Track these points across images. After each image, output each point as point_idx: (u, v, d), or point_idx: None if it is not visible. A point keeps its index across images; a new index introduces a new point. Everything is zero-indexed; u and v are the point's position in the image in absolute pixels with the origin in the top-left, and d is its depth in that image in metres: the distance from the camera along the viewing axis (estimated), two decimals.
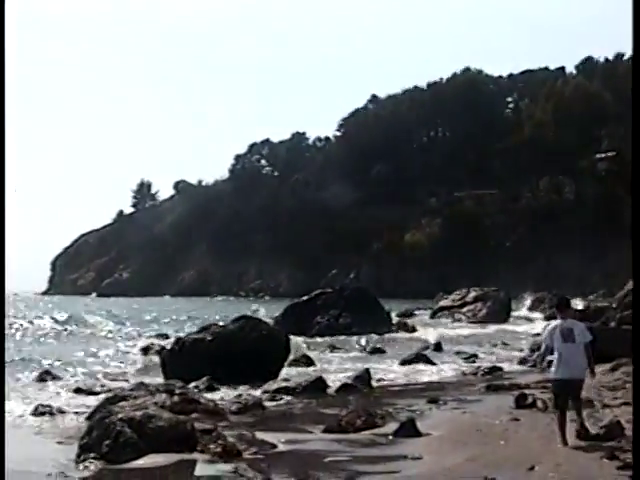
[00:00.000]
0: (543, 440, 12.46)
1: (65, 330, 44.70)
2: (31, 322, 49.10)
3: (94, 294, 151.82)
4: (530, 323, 48.04)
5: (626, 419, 12.82)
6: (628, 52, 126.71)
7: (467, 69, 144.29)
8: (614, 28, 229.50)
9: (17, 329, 44.33)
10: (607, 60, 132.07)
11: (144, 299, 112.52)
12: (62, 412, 16.87)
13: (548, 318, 46.31)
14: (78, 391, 19.73)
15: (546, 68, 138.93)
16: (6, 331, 40.65)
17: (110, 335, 41.63)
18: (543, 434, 12.94)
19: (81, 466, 11.85)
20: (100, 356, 30.08)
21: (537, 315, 53.57)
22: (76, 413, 16.72)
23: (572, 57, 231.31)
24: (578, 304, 51.44)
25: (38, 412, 16.59)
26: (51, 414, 16.59)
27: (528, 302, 62.07)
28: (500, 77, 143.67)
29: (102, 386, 20.62)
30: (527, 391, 17.06)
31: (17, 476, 11.19)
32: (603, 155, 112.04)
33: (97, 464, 11.88)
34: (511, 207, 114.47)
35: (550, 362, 12.41)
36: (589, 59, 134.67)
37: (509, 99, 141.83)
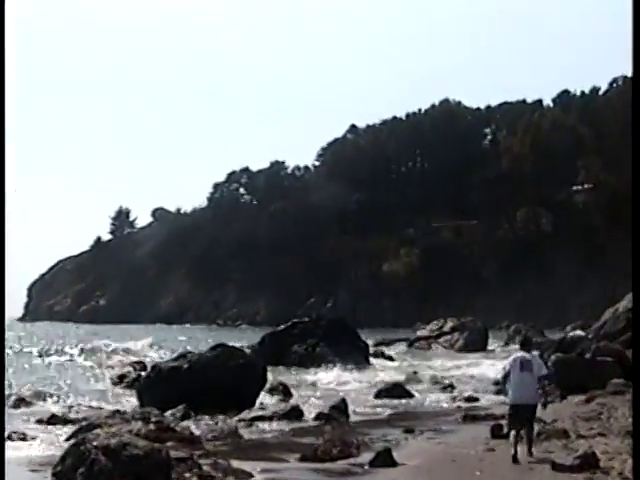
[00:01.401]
0: (519, 470, 12.50)
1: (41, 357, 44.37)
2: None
3: (70, 322, 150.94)
4: (507, 354, 48.17)
5: (601, 450, 12.89)
6: (604, 86, 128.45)
7: (446, 100, 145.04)
8: (591, 62, 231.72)
9: None
10: (583, 94, 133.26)
11: (121, 326, 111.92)
12: (35, 439, 16.77)
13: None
14: (52, 418, 19.57)
15: (523, 101, 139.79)
16: None
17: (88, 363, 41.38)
18: (518, 465, 12.96)
19: None
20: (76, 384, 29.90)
21: (513, 347, 53.78)
22: (49, 442, 16.60)
23: (549, 90, 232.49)
24: (554, 335, 51.70)
25: (12, 439, 16.47)
26: (24, 441, 16.48)
27: (505, 335, 62.20)
28: (478, 109, 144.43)
29: (77, 413, 20.47)
30: (503, 421, 17.07)
31: None
32: (580, 187, 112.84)
33: None
34: (489, 238, 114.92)
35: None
36: (565, 92, 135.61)
37: (487, 130, 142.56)
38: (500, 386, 14.94)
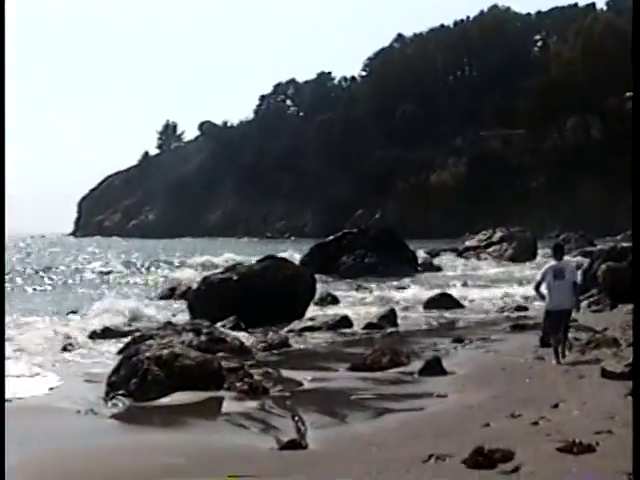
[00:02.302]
0: (568, 379, 12.49)
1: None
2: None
3: (120, 236, 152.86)
4: None
5: None
6: None
7: (494, 6, 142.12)
8: None
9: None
10: None
11: (172, 240, 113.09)
12: (89, 351, 17.10)
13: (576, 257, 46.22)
14: (106, 331, 19.88)
15: (575, 4, 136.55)
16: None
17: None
18: (568, 373, 12.96)
19: (109, 404, 12.02)
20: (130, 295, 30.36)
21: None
22: (104, 353, 16.90)
23: None
24: (605, 244, 51.20)
25: (67, 350, 16.81)
26: (79, 353, 16.80)
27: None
28: (528, 14, 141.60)
29: (129, 325, 20.79)
30: None
31: (48, 413, 11.38)
32: (631, 93, 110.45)
33: (125, 402, 12.04)
34: (538, 147, 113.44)
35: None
36: None
37: (537, 37, 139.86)
38: (535, 293, 14.92)
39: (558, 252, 14.84)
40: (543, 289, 14.46)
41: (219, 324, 19.86)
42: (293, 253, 44.44)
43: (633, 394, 7.19)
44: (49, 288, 36.75)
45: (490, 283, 34.85)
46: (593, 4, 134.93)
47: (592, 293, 25.39)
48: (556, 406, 10.37)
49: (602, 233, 74.46)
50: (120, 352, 15.81)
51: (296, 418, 10.79)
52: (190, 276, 32.93)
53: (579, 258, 40.85)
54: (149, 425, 11.28)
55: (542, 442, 8.53)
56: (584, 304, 23.15)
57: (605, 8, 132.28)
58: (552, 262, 14.68)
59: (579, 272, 14.21)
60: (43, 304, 28.31)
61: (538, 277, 14.60)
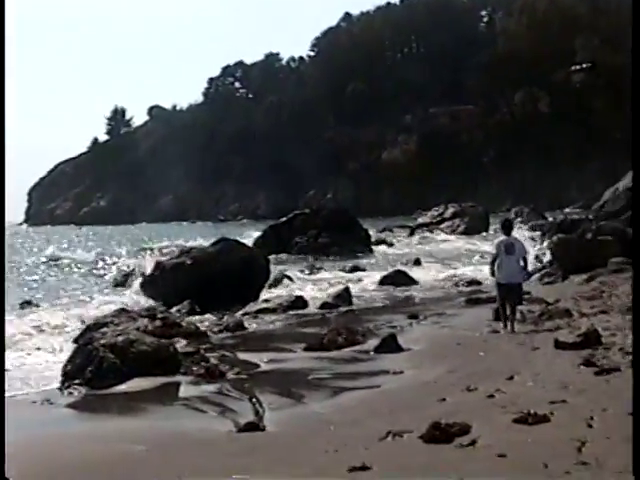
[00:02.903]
0: (522, 351, 12.64)
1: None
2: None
3: (72, 224, 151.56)
4: None
5: (602, 327, 13.01)
6: None
7: None
8: None
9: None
10: None
11: (122, 227, 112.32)
12: (44, 339, 16.93)
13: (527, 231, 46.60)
14: (59, 319, 19.68)
15: None
16: None
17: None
18: (522, 345, 13.11)
19: (65, 392, 11.93)
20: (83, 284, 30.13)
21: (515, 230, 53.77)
22: (57, 343, 16.74)
23: None
24: (556, 217, 51.73)
25: (19, 341, 16.63)
26: (31, 342, 16.63)
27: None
28: None
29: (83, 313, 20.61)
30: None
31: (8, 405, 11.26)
32: (578, 67, 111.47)
33: (81, 390, 11.96)
34: (487, 122, 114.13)
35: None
36: None
37: (483, 12, 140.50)
38: (490, 268, 15.17)
39: (507, 227, 15.36)
40: (495, 264, 14.99)
41: (174, 309, 19.81)
42: (251, 234, 44.20)
43: (633, 392, 7.29)
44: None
45: (443, 259, 35.07)
46: None
47: (544, 265, 25.69)
48: (511, 378, 10.49)
49: (552, 206, 75.29)
50: (75, 340, 15.68)
51: (253, 400, 10.80)
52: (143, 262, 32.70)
53: (527, 233, 41.25)
54: (106, 413, 11.22)
55: (498, 414, 8.63)
56: (536, 277, 23.46)
57: None
58: (502, 237, 15.13)
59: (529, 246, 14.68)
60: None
61: (493, 251, 15.25)
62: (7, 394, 11.63)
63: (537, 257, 29.57)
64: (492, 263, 15.15)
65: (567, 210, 70.91)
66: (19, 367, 13.91)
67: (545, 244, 27.86)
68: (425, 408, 9.38)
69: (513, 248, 14.78)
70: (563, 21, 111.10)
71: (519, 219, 54.47)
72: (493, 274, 15.12)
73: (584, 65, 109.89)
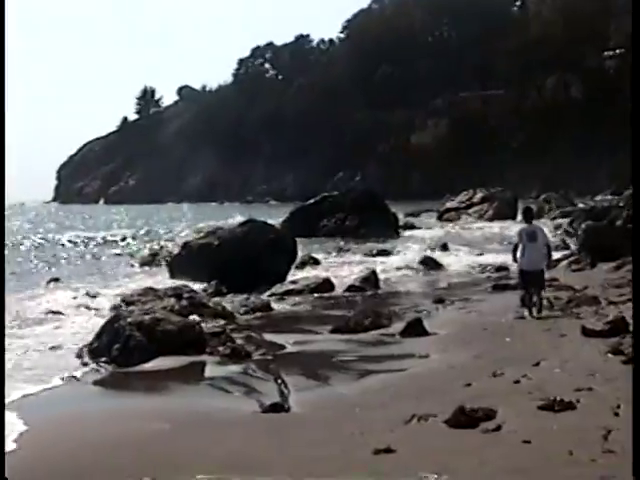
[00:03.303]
0: (549, 337, 12.57)
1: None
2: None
3: (101, 202, 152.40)
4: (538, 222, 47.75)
5: (630, 315, 12.92)
6: None
7: None
8: None
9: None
10: None
11: (152, 206, 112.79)
12: (72, 317, 17.03)
13: (554, 219, 46.35)
14: (87, 296, 19.82)
15: None
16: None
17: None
18: (549, 332, 13.04)
19: (92, 370, 12.01)
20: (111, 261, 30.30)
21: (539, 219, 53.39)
22: (86, 319, 16.83)
23: None
24: (586, 203, 51.41)
25: (48, 317, 16.75)
26: (59, 319, 16.74)
27: (535, 205, 61.68)
28: None
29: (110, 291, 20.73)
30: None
31: (30, 379, 11.36)
32: (611, 53, 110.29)
33: (108, 368, 12.04)
34: (518, 107, 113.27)
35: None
36: None
37: None
38: (512, 256, 15.59)
39: (528, 215, 15.86)
40: (518, 251, 15.24)
41: (200, 289, 19.86)
42: (279, 215, 44.17)
43: (633, 392, 7.24)
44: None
45: (471, 244, 34.92)
46: None
47: (572, 252, 25.53)
48: (537, 364, 10.44)
49: (582, 193, 74.70)
50: (103, 317, 15.77)
51: (279, 381, 10.83)
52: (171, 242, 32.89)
53: (553, 222, 41.03)
54: (132, 391, 11.31)
55: (523, 400, 8.59)
56: (564, 263, 23.34)
57: None
58: (524, 225, 15.54)
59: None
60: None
61: (515, 239, 15.61)
62: (33, 372, 11.75)
63: (565, 243, 29.47)
64: (514, 250, 15.36)
65: (598, 197, 70.23)
66: (45, 344, 14.00)
67: (575, 230, 27.70)
68: (451, 392, 9.36)
69: (535, 235, 15.06)
70: (597, 5, 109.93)
71: (548, 205, 54.38)
72: (516, 260, 15.33)
73: (617, 51, 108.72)
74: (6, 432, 8.26)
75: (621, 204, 33.05)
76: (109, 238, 44.66)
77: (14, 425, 8.90)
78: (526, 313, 14.72)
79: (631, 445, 6.60)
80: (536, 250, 15.00)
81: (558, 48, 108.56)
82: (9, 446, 8.08)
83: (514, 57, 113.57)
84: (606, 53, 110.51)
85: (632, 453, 6.34)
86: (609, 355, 10.57)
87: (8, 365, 11.61)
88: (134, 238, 44.01)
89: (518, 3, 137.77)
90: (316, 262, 27.15)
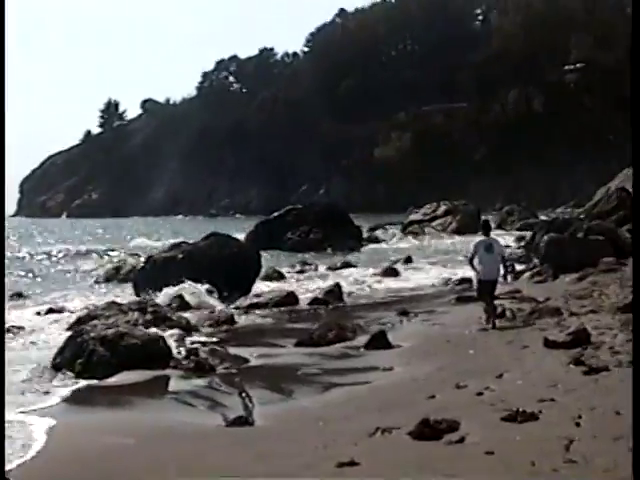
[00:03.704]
0: (512, 349, 12.66)
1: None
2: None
3: (64, 216, 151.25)
4: (500, 236, 48.11)
5: (592, 326, 13.04)
6: None
7: None
8: None
9: None
10: None
11: (114, 220, 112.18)
12: (33, 331, 16.90)
13: (518, 229, 46.76)
14: (50, 311, 19.71)
15: None
16: None
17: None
18: (511, 343, 13.13)
19: (54, 383, 11.91)
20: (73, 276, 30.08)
21: (501, 231, 53.77)
22: (48, 333, 16.71)
23: None
24: (548, 216, 51.84)
25: (11, 332, 16.60)
26: (22, 334, 16.61)
27: (498, 217, 62.09)
28: None
29: (74, 305, 20.61)
30: (496, 302, 17.23)
31: None
32: (572, 66, 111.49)
33: (71, 382, 11.95)
34: (480, 120, 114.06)
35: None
36: None
37: (478, 11, 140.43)
38: (470, 266, 16.16)
39: (486, 228, 16.54)
40: (475, 262, 15.77)
41: (164, 302, 19.77)
42: (243, 229, 44.11)
43: (633, 393, 7.31)
44: None
45: (435, 256, 35.10)
46: None
47: (534, 264, 25.73)
48: (500, 376, 10.52)
49: (544, 205, 75.38)
50: (66, 331, 15.66)
51: (243, 395, 10.82)
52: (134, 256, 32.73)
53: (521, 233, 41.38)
54: (96, 405, 11.23)
55: (487, 412, 8.65)
56: (527, 275, 23.51)
57: None
58: (482, 237, 16.14)
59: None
60: None
61: (472, 250, 16.01)
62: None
63: (527, 255, 29.68)
64: (471, 261, 15.93)
65: (559, 210, 70.93)
66: (8, 360, 13.86)
67: (537, 242, 27.93)
68: (414, 405, 9.40)
69: (492, 247, 15.73)
70: (557, 20, 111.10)
71: (511, 217, 54.81)
72: (475, 270, 15.90)
73: (578, 64, 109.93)
74: None
75: (582, 216, 33.42)
76: (71, 252, 44.35)
77: None
78: (487, 324, 15.03)
79: (593, 455, 6.68)
80: (493, 261, 15.62)
81: (519, 62, 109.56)
82: None
83: (476, 71, 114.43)
84: (567, 67, 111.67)
85: (632, 456, 6.40)
86: (571, 366, 10.67)
87: None
88: (97, 252, 43.69)
89: (480, 17, 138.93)
90: (280, 275, 27.15)
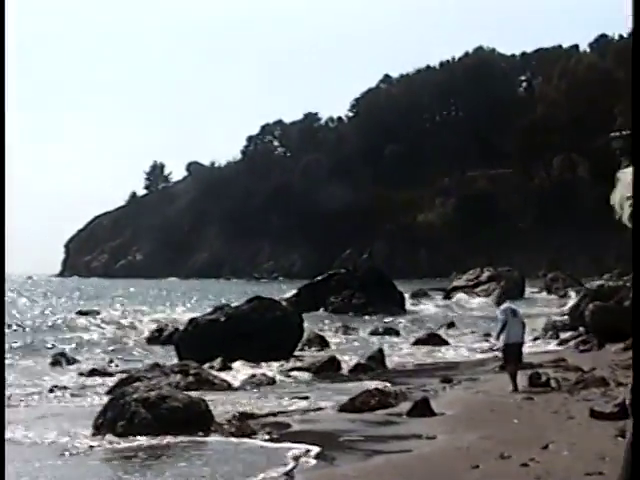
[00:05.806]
0: (557, 419, 12.47)
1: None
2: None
3: (108, 276, 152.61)
4: (545, 303, 47.75)
5: None
6: None
7: (479, 48, 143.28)
8: (628, 5, 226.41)
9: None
10: (621, 37, 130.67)
11: (158, 281, 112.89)
12: (77, 393, 16.97)
13: (562, 297, 46.32)
14: (94, 372, 19.78)
15: (559, 46, 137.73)
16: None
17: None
18: (557, 414, 12.94)
19: (95, 444, 11.91)
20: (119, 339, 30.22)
21: (551, 296, 53.31)
22: (91, 395, 16.77)
23: (586, 35, 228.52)
24: (592, 283, 51.25)
25: (54, 392, 16.68)
26: (67, 395, 16.68)
27: (542, 283, 61.66)
28: (513, 56, 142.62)
29: (117, 367, 20.69)
30: (540, 370, 17.05)
31: (34, 453, 11.26)
32: (617, 134, 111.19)
33: (111, 443, 11.94)
34: (525, 187, 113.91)
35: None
36: (603, 37, 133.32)
37: (522, 77, 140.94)
38: (498, 331, 16.74)
39: (507, 295, 17.35)
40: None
41: (206, 365, 19.78)
42: (286, 292, 44.21)
43: (633, 392, 7.13)
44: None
45: (478, 323, 34.85)
46: (576, 46, 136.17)
47: (580, 332, 25.43)
48: (546, 447, 10.34)
49: (589, 273, 74.59)
50: (108, 393, 15.70)
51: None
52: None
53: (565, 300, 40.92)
54: (134, 467, 11.17)
55: None
56: (572, 344, 23.26)
57: (588, 50, 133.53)
58: (506, 304, 17.28)
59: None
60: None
61: (502, 316, 16.52)
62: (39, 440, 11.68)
63: (572, 323, 29.32)
64: (503, 327, 16.32)
65: (605, 277, 70.16)
66: (55, 415, 13.94)
67: (582, 310, 27.60)
68: (458, 475, 9.26)
69: (517, 312, 16.69)
70: (602, 86, 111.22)
71: (556, 285, 54.35)
72: (498, 337, 16.68)
73: (623, 132, 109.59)
74: None
75: (628, 284, 32.99)
76: (114, 313, 44.56)
77: None
78: (511, 389, 15.49)
79: None
80: (518, 325, 16.40)
81: (564, 128, 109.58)
82: None
83: (521, 137, 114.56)
84: (612, 134, 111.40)
85: (632, 457, 6.24)
86: (619, 438, 10.45)
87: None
88: (140, 314, 43.85)
89: (524, 84, 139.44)
90: (323, 340, 27.06)
